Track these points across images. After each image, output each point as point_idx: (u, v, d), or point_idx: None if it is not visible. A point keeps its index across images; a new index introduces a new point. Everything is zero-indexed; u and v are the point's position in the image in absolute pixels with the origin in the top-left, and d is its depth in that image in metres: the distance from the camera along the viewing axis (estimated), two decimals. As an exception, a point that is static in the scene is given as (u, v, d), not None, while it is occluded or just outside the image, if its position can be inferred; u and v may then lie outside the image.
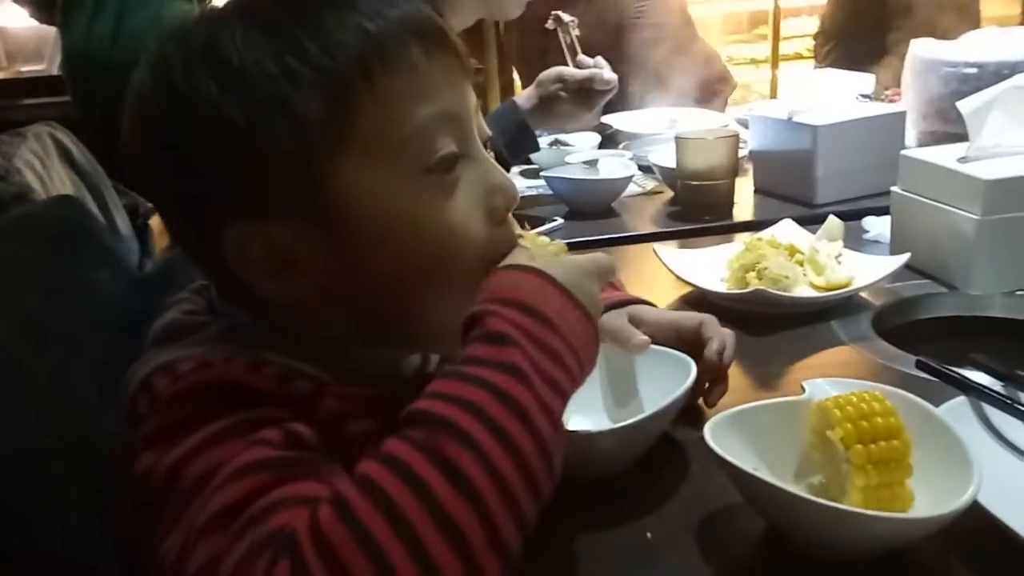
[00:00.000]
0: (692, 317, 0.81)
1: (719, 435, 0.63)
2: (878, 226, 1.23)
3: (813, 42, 2.85)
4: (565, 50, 1.55)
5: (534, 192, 1.63)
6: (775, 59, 3.77)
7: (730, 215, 1.42)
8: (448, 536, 0.42)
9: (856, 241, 1.22)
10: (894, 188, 1.14)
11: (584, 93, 1.49)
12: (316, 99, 0.52)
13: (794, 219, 1.18)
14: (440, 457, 0.43)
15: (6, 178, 1.18)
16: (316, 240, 0.54)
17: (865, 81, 1.59)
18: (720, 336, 0.79)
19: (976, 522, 0.57)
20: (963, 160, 1.04)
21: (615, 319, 0.81)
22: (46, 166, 1.41)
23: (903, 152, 1.13)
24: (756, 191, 1.54)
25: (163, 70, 0.54)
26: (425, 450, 0.43)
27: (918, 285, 1.07)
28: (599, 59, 1.54)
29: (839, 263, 1.08)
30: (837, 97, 1.53)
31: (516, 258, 0.54)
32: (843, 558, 0.59)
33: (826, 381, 0.69)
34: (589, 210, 1.48)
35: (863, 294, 1.05)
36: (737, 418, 0.66)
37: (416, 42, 0.54)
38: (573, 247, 1.35)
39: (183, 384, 0.51)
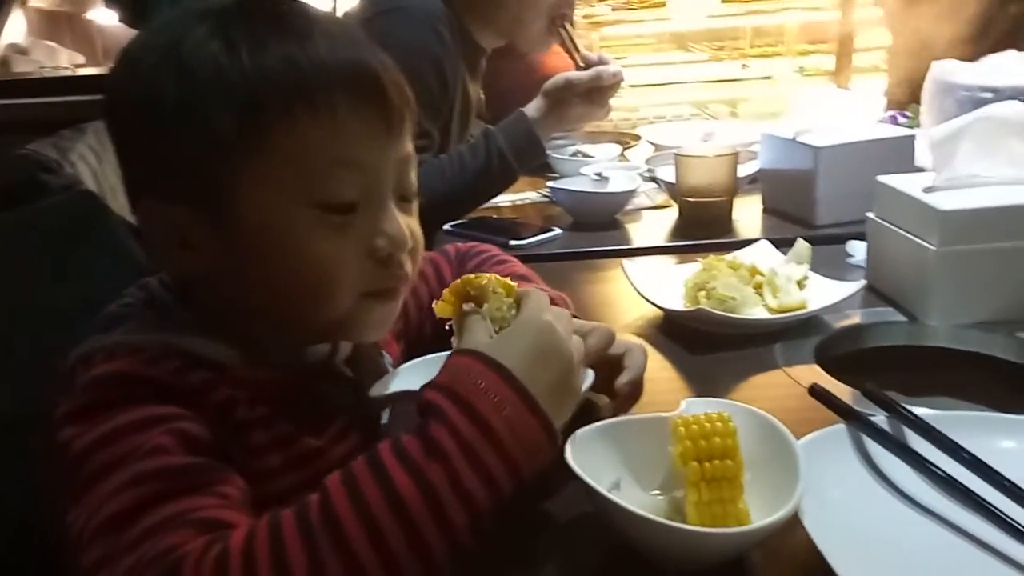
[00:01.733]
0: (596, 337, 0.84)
1: (584, 447, 0.66)
2: (861, 251, 1.23)
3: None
4: (567, 50, 1.58)
5: (547, 201, 1.68)
6: (845, 72, 3.68)
7: (728, 232, 1.44)
8: None
9: (839, 265, 1.23)
10: (869, 214, 1.14)
11: (594, 92, 1.51)
12: (233, 112, 0.59)
13: (804, 239, 1.19)
14: (312, 554, 0.48)
15: (57, 171, 1.27)
16: (210, 232, 0.61)
17: (878, 103, 1.57)
18: (632, 367, 0.82)
19: (807, 545, 0.60)
20: (929, 190, 1.04)
21: None
22: (101, 161, 1.53)
23: (878, 178, 1.13)
24: (764, 209, 1.55)
25: (138, 51, 0.63)
26: (304, 539, 0.49)
27: (878, 313, 1.07)
28: (603, 54, 1.57)
29: (804, 286, 1.09)
30: (854, 117, 1.53)
31: (473, 333, 0.59)
32: (681, 568, 0.63)
33: (703, 400, 0.72)
34: (593, 221, 1.52)
35: (825, 318, 1.06)
36: (604, 431, 0.69)
37: (344, 91, 0.60)
38: (570, 258, 1.41)
39: (95, 372, 0.59)
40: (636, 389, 0.82)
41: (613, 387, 0.80)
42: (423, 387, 0.56)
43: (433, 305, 0.67)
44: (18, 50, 2.91)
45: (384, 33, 1.48)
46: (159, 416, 0.56)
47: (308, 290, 0.62)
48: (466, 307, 0.61)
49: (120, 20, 2.76)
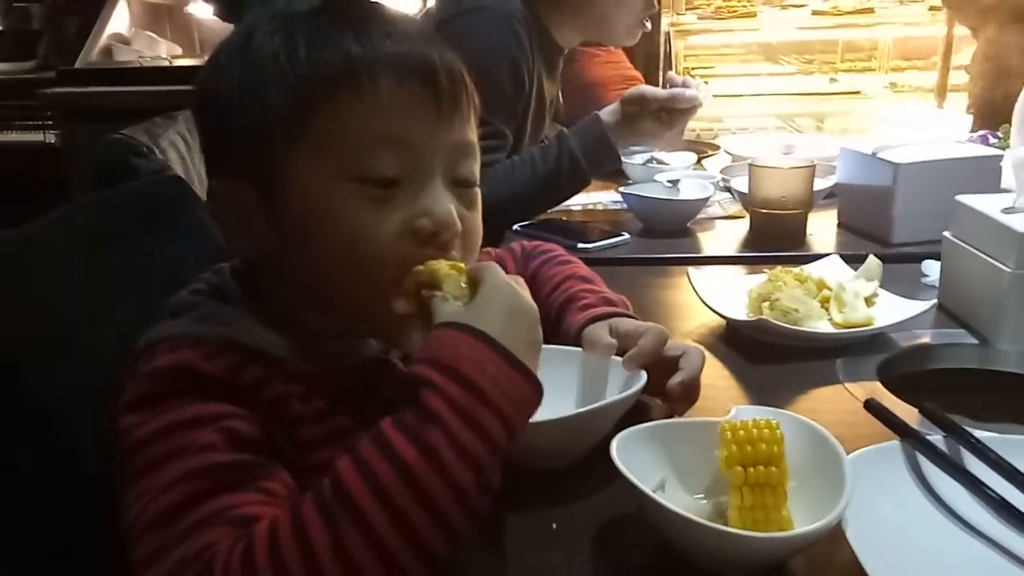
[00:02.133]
0: (650, 337, 0.84)
1: (630, 447, 0.67)
2: (936, 271, 1.20)
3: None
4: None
5: (618, 207, 1.68)
6: (943, 89, 3.57)
7: (801, 246, 1.42)
8: None
9: (913, 284, 1.21)
10: (945, 233, 1.12)
11: (666, 113, 1.50)
12: (284, 94, 0.63)
13: (879, 257, 1.17)
14: (331, 528, 0.50)
15: (148, 156, 1.33)
16: (265, 210, 0.65)
17: (963, 122, 1.53)
18: (687, 368, 0.82)
19: (849, 557, 0.60)
20: (1008, 211, 1.01)
21: (598, 329, 0.87)
22: (191, 148, 1.60)
23: (957, 197, 1.11)
24: (839, 225, 1.53)
25: (220, 48, 0.69)
26: (323, 516, 0.51)
27: (948, 334, 1.05)
28: (687, 78, 1.55)
29: (873, 304, 1.08)
30: (939, 135, 1.49)
31: (442, 311, 0.59)
32: (720, 571, 0.63)
33: (754, 408, 0.72)
34: (663, 228, 1.52)
35: (893, 337, 1.04)
36: (651, 432, 0.70)
37: (390, 71, 0.63)
38: (637, 264, 1.41)
39: (158, 363, 0.62)
40: (690, 391, 0.82)
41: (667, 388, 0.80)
42: (411, 364, 0.58)
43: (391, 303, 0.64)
44: (121, 39, 3.05)
45: (461, 33, 1.51)
46: (211, 414, 0.58)
47: (348, 265, 0.63)
48: (425, 294, 0.61)
49: (215, 14, 2.87)
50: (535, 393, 0.57)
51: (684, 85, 1.52)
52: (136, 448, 0.58)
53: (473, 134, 0.68)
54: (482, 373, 0.55)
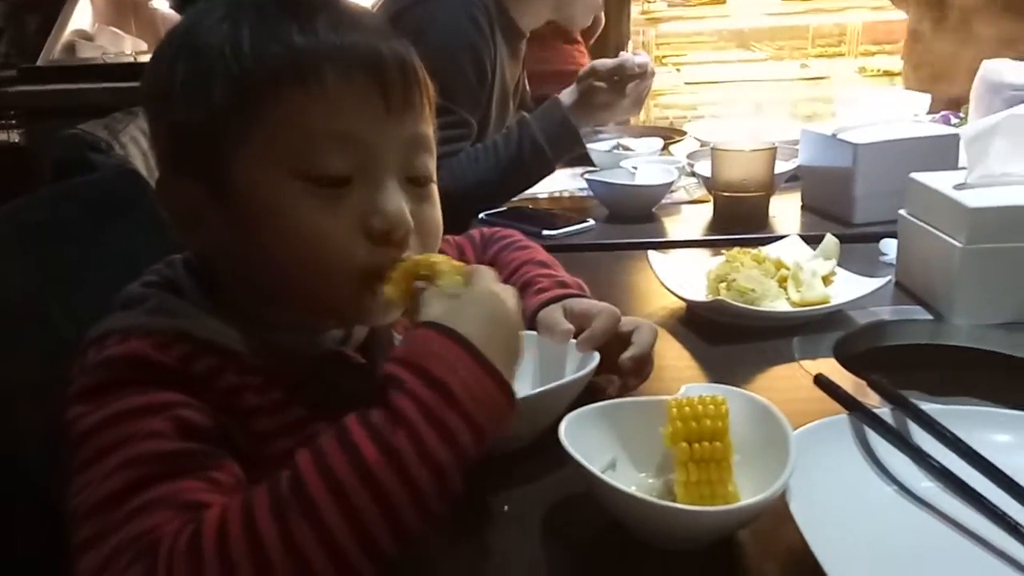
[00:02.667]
0: (602, 318, 0.84)
1: (580, 428, 0.68)
2: (893, 249, 1.21)
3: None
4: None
5: (584, 194, 1.68)
6: (910, 73, 3.59)
7: (764, 228, 1.43)
8: None
9: (873, 263, 1.22)
10: (901, 211, 1.13)
11: (619, 81, 1.50)
12: (229, 90, 0.62)
13: (840, 237, 1.17)
14: (282, 521, 0.50)
15: (107, 151, 1.31)
16: (216, 208, 0.64)
17: (921, 101, 1.54)
18: (638, 343, 0.82)
19: (796, 529, 0.60)
20: (960, 187, 1.02)
21: (552, 312, 0.87)
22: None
23: (911, 175, 1.12)
24: (803, 207, 1.54)
25: (165, 38, 0.68)
26: (275, 508, 0.50)
27: (904, 311, 1.06)
28: (640, 52, 1.57)
29: (831, 283, 1.08)
30: (893, 116, 1.50)
31: (429, 306, 0.59)
32: (670, 547, 0.63)
33: (703, 385, 0.72)
34: (628, 214, 1.52)
35: (851, 315, 1.05)
36: (601, 412, 0.71)
37: (336, 66, 0.61)
38: (603, 250, 1.41)
39: (107, 353, 0.61)
40: (641, 365, 0.82)
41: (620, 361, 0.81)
42: (384, 362, 0.57)
43: (385, 285, 0.64)
44: (84, 36, 3.01)
45: (420, 22, 1.50)
46: (161, 403, 0.58)
47: (303, 265, 0.63)
48: (419, 284, 0.61)
49: (170, 7, 2.84)
50: (507, 402, 0.56)
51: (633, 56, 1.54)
52: (83, 437, 0.57)
53: (428, 127, 0.67)
54: (453, 375, 0.54)
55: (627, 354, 0.81)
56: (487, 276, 0.62)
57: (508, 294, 0.61)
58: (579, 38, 2.46)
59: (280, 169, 0.62)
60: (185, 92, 0.63)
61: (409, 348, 0.56)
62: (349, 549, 0.50)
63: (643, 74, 1.51)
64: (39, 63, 2.90)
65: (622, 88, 1.50)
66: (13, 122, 2.98)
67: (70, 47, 2.96)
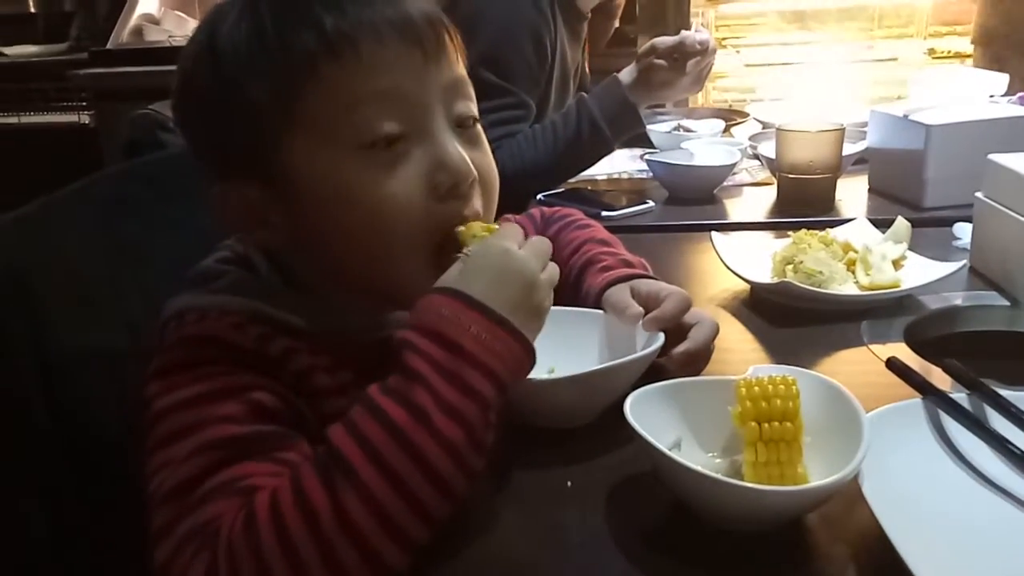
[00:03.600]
0: (673, 300, 0.83)
1: (645, 406, 0.67)
2: (967, 233, 1.17)
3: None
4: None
5: (643, 176, 1.66)
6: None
7: (829, 211, 1.39)
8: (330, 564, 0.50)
9: (945, 248, 1.18)
10: (977, 194, 1.09)
11: (679, 59, 1.47)
12: (265, 84, 0.62)
13: (910, 221, 1.13)
14: (330, 491, 0.51)
15: (176, 131, 1.34)
16: (276, 202, 0.64)
17: (997, 81, 1.49)
18: (694, 339, 0.81)
19: (866, 513, 0.59)
20: (1042, 169, 0.98)
21: (619, 292, 0.86)
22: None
23: (989, 156, 1.08)
24: (870, 190, 1.50)
25: (188, 46, 0.67)
26: (322, 480, 0.51)
27: (979, 296, 1.02)
28: (701, 28, 1.52)
29: (901, 266, 1.06)
30: (968, 97, 1.45)
31: (448, 274, 0.59)
32: (734, 528, 0.62)
33: (772, 366, 0.71)
34: (689, 196, 1.50)
35: (922, 300, 1.02)
36: (666, 391, 0.69)
37: (371, 37, 0.61)
38: (663, 231, 1.40)
39: (184, 332, 0.63)
40: (694, 360, 0.80)
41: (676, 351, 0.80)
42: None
43: None
44: (151, 20, 3.08)
45: (481, 6, 1.50)
46: (235, 387, 0.58)
47: (374, 236, 0.63)
48: (453, 258, 0.61)
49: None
50: (524, 350, 0.57)
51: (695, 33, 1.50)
52: (158, 418, 0.58)
53: (462, 70, 0.67)
54: (463, 332, 0.55)
55: (681, 348, 0.80)
56: (503, 233, 0.61)
57: (529, 248, 0.61)
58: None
59: (334, 146, 0.62)
60: (221, 99, 0.63)
61: (419, 314, 0.57)
62: (396, 512, 0.51)
63: (704, 51, 1.47)
64: (108, 46, 2.97)
65: (682, 66, 1.47)
66: (84, 104, 3.06)
67: (138, 31, 3.02)
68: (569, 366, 0.79)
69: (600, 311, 0.85)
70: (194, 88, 0.65)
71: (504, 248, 0.59)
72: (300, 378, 0.62)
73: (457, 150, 0.64)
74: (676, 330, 0.81)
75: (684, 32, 1.48)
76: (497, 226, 0.64)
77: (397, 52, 0.62)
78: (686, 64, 1.46)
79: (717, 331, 0.83)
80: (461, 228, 0.63)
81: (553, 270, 0.63)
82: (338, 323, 0.67)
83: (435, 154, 0.63)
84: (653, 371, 0.78)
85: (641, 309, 0.82)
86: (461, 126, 0.66)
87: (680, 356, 0.80)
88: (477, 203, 0.65)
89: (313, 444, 0.59)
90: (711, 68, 1.52)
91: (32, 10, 3.51)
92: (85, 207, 0.89)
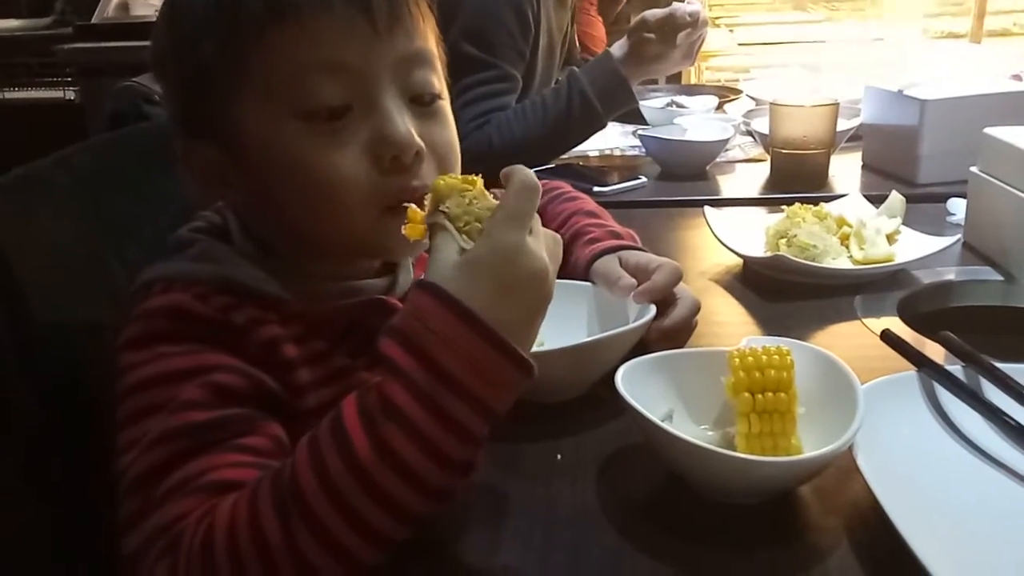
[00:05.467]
0: (664, 272, 0.81)
1: (636, 378, 0.66)
2: (962, 209, 1.16)
3: None
4: None
5: (635, 152, 1.65)
6: (977, 34, 3.47)
7: (822, 188, 1.38)
8: None
9: (939, 224, 1.17)
10: (972, 168, 1.08)
11: (670, 32, 1.44)
12: (215, 44, 0.61)
13: (904, 196, 1.13)
14: (284, 523, 0.48)
15: (159, 103, 1.32)
16: (231, 162, 0.63)
17: (993, 57, 1.47)
18: (681, 311, 0.80)
19: (860, 485, 0.58)
20: (1039, 142, 0.97)
21: (608, 263, 0.85)
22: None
23: (985, 130, 1.07)
24: (863, 166, 1.49)
25: (161, 7, 0.67)
26: (277, 510, 0.48)
27: (973, 271, 1.02)
28: (692, 1, 1.49)
29: (895, 241, 1.05)
30: (977, 73, 1.43)
31: (437, 258, 0.52)
32: (726, 500, 0.61)
33: (765, 338, 0.70)
34: (681, 172, 1.49)
35: (915, 274, 1.01)
36: (658, 362, 0.69)
37: (316, 3, 0.59)
38: (656, 206, 1.38)
39: (151, 303, 0.61)
40: (671, 337, 0.79)
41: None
42: (382, 330, 0.51)
43: (402, 229, 0.57)
44: (137, -7, 3.03)
45: None
46: (198, 366, 0.57)
47: (317, 205, 0.61)
48: (428, 218, 0.54)
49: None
50: (522, 375, 0.50)
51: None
52: (126, 393, 0.58)
53: (426, 42, 0.65)
54: (454, 355, 0.48)
55: (658, 324, 0.78)
56: (507, 213, 0.52)
57: (537, 244, 0.52)
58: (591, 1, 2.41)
59: (278, 111, 0.61)
60: (176, 54, 0.64)
61: (406, 319, 0.50)
62: (353, 547, 0.48)
63: (695, 24, 1.45)
64: (93, 21, 2.93)
65: (673, 39, 1.44)
66: (68, 79, 3.02)
67: (123, 5, 2.98)
68: (559, 339, 0.77)
69: (589, 283, 0.84)
70: (157, 50, 0.65)
71: (516, 244, 0.51)
72: (266, 349, 0.60)
73: (403, 122, 0.61)
74: (664, 302, 0.80)
75: (675, 4, 1.45)
76: (477, 178, 0.55)
77: (343, 21, 0.60)
78: (677, 37, 1.43)
79: (698, 308, 0.82)
80: (438, 181, 0.55)
81: (556, 251, 0.56)
82: (309, 289, 0.65)
83: (378, 126, 0.61)
84: (638, 344, 0.77)
85: (633, 280, 0.81)
86: (417, 101, 0.64)
87: (658, 332, 0.78)
88: (427, 178, 0.62)
89: (279, 419, 0.58)
90: (703, 41, 1.49)
91: (15, -16, 3.45)
92: (66, 178, 0.87)
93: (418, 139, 0.61)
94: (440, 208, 0.54)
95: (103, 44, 2.79)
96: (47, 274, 0.75)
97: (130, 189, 0.91)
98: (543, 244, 0.53)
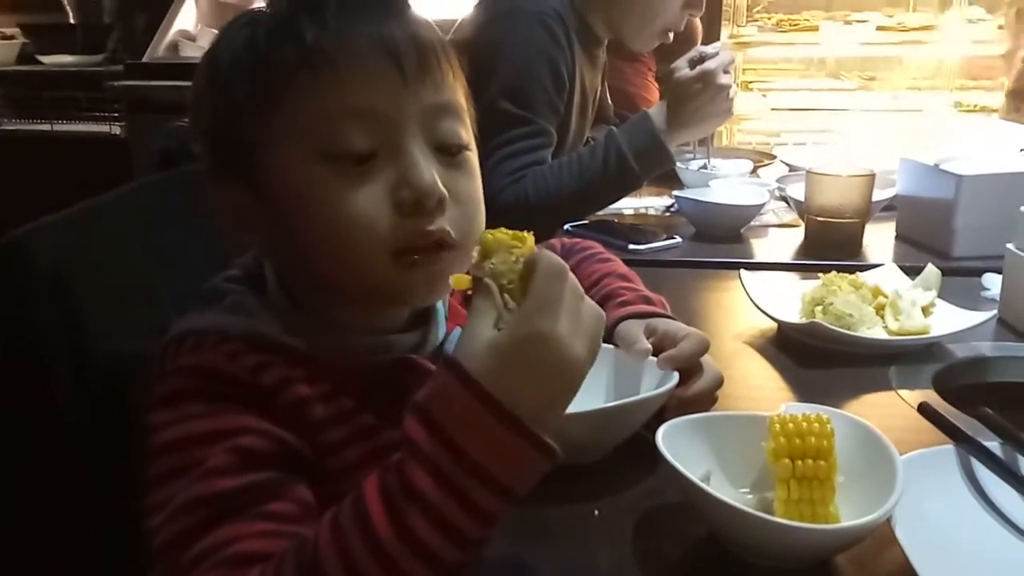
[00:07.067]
0: (692, 341, 0.81)
1: (675, 438, 0.67)
2: (997, 284, 1.17)
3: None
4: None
5: (670, 212, 1.67)
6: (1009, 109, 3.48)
7: (857, 255, 1.39)
8: None
9: (973, 298, 1.18)
10: (1008, 245, 1.09)
11: (704, 79, 1.44)
12: (249, 89, 0.64)
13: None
14: None
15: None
16: (260, 207, 0.66)
17: (1030, 135, 1.49)
18: (703, 383, 0.80)
19: (898, 558, 0.58)
20: (1077, 223, 0.98)
21: (631, 326, 0.85)
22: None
23: (1022, 208, 1.08)
24: (897, 236, 1.50)
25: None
26: None
27: (1008, 347, 1.02)
28: (717, 44, 1.51)
29: (930, 313, 1.05)
30: (999, 149, 1.45)
31: (475, 318, 0.53)
32: (764, 564, 0.62)
33: (804, 405, 0.71)
34: (716, 233, 1.50)
35: (950, 348, 1.02)
36: (698, 424, 0.69)
37: (349, 55, 0.62)
38: (690, 267, 1.39)
39: (180, 361, 0.63)
40: (689, 406, 0.78)
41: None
42: (407, 406, 0.52)
43: (449, 280, 0.58)
44: (187, 36, 3.13)
45: (497, 37, 1.52)
46: (225, 430, 0.58)
47: (336, 247, 0.63)
48: (473, 270, 0.54)
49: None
50: (544, 458, 0.51)
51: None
52: (155, 454, 0.59)
53: (455, 95, 0.67)
54: (481, 446, 0.49)
55: (677, 392, 0.78)
56: (540, 292, 0.52)
57: (573, 328, 0.52)
58: (644, 56, 2.43)
59: (305, 154, 0.63)
60: (211, 96, 0.66)
61: (431, 397, 0.51)
62: None
63: (722, 56, 1.46)
64: (144, 59, 3.02)
65: (709, 85, 1.44)
66: (116, 115, 3.10)
67: (174, 46, 3.08)
68: (579, 401, 0.77)
69: (612, 346, 0.84)
70: (194, 93, 0.68)
71: (547, 335, 0.51)
72: (295, 410, 0.61)
73: (427, 169, 0.63)
74: (688, 372, 0.80)
75: (698, 47, 1.48)
76: (528, 235, 0.56)
77: (375, 71, 0.63)
78: (711, 84, 1.45)
79: (721, 382, 0.82)
80: (487, 234, 0.56)
81: (598, 342, 0.55)
82: (340, 345, 0.66)
83: (402, 171, 0.63)
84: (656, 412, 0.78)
85: (649, 346, 0.81)
86: (444, 151, 0.66)
87: (678, 400, 0.77)
88: (445, 223, 0.64)
89: (306, 479, 0.59)
90: (736, 94, 1.50)
91: (72, 21, 3.57)
92: (126, 212, 0.90)
93: (441, 186, 0.63)
94: (487, 263, 0.54)
95: (152, 83, 2.88)
96: (106, 307, 0.77)
97: (184, 226, 0.94)
98: (581, 328, 0.53)
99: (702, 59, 1.47)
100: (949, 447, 0.70)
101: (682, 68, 1.47)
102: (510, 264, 0.54)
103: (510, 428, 0.49)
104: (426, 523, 0.49)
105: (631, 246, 1.40)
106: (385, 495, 0.50)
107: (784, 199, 1.63)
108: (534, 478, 0.51)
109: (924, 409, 0.73)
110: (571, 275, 0.54)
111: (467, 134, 0.68)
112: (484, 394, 0.49)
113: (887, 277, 1.13)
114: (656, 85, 2.42)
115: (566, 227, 1.52)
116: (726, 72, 1.46)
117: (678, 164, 1.68)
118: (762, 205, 1.52)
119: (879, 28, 3.44)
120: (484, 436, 0.49)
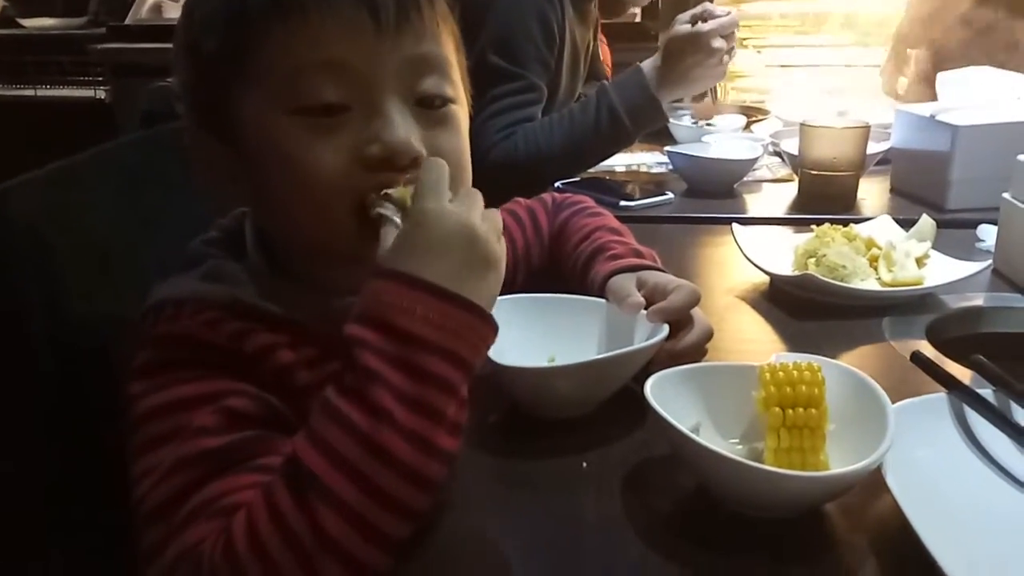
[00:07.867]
0: (682, 293, 0.80)
1: (664, 390, 0.65)
2: (992, 235, 1.16)
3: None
4: None
5: (662, 169, 1.65)
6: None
7: (851, 209, 1.38)
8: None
9: (969, 250, 1.17)
10: (1004, 195, 1.08)
11: (702, 38, 1.41)
12: (220, 38, 0.62)
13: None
14: (303, 507, 0.49)
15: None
16: (236, 160, 0.64)
17: (1027, 84, 1.47)
18: (693, 336, 0.79)
19: (888, 504, 0.58)
20: (1073, 170, 0.97)
21: (623, 280, 0.84)
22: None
23: (1019, 157, 1.06)
24: (892, 190, 1.48)
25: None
26: (294, 497, 0.49)
27: (1002, 298, 1.01)
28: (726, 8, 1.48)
29: (924, 264, 1.04)
30: (995, 98, 1.43)
31: (381, 247, 0.56)
32: (753, 514, 0.61)
33: (796, 355, 0.70)
34: (709, 189, 1.49)
35: (944, 299, 1.01)
36: (688, 375, 0.68)
37: (321, 2, 0.60)
38: (683, 222, 1.38)
39: (161, 330, 0.61)
40: (678, 358, 0.77)
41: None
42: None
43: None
44: (171, -4, 3.08)
45: None
46: (210, 393, 0.57)
47: (301, 199, 0.61)
48: (373, 213, 0.58)
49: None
50: (480, 320, 0.54)
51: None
52: (138, 422, 0.57)
53: (439, 46, 0.64)
54: (410, 317, 0.52)
55: (666, 346, 0.77)
56: (426, 190, 0.56)
57: (461, 202, 0.57)
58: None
59: (276, 107, 0.61)
60: (187, 49, 0.64)
61: (364, 304, 0.54)
62: (373, 515, 0.49)
63: (727, 20, 1.43)
64: (127, 22, 2.97)
65: (706, 46, 1.41)
66: (100, 79, 3.06)
67: (156, 8, 3.03)
68: (570, 355, 0.77)
69: (603, 300, 0.83)
70: (174, 47, 0.67)
71: (433, 210, 0.55)
72: (277, 376, 0.60)
73: (402, 126, 0.61)
74: (678, 325, 0.79)
75: (703, 4, 1.45)
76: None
77: (347, 22, 0.60)
78: (710, 43, 1.42)
79: (711, 334, 0.81)
80: (390, 191, 0.59)
81: (494, 217, 0.58)
82: (324, 308, 0.64)
83: (375, 128, 0.61)
84: (646, 364, 0.77)
85: (642, 299, 0.80)
86: (425, 104, 0.63)
87: (667, 354, 0.76)
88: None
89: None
90: (734, 54, 1.48)
91: (53, -18, 3.51)
92: (109, 171, 0.88)
93: (417, 145, 0.61)
94: (383, 193, 0.58)
95: (135, 45, 2.83)
96: (87, 267, 0.76)
97: (168, 185, 0.93)
98: (472, 207, 0.57)
99: (705, 19, 1.44)
100: (941, 395, 0.69)
101: (682, 22, 1.45)
102: (404, 193, 0.58)
103: (428, 293, 0.52)
104: (393, 400, 0.50)
105: (623, 203, 1.38)
106: (349, 390, 0.51)
107: (778, 154, 1.61)
108: (479, 342, 0.54)
109: (917, 357, 0.73)
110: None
111: (452, 89, 0.65)
112: (405, 277, 0.53)
113: (881, 229, 1.12)
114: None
115: (557, 184, 1.50)
116: (723, 36, 1.44)
117: (671, 120, 1.66)
118: (755, 160, 1.50)
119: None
120: (411, 309, 0.52)
